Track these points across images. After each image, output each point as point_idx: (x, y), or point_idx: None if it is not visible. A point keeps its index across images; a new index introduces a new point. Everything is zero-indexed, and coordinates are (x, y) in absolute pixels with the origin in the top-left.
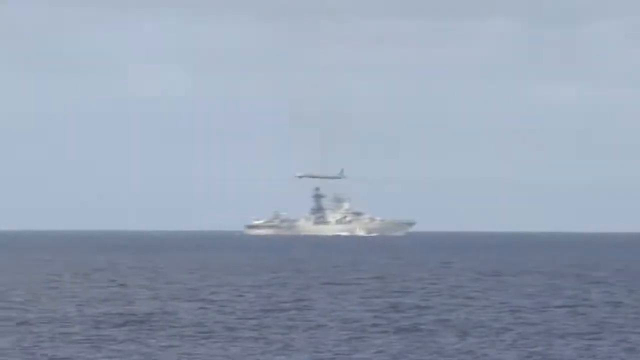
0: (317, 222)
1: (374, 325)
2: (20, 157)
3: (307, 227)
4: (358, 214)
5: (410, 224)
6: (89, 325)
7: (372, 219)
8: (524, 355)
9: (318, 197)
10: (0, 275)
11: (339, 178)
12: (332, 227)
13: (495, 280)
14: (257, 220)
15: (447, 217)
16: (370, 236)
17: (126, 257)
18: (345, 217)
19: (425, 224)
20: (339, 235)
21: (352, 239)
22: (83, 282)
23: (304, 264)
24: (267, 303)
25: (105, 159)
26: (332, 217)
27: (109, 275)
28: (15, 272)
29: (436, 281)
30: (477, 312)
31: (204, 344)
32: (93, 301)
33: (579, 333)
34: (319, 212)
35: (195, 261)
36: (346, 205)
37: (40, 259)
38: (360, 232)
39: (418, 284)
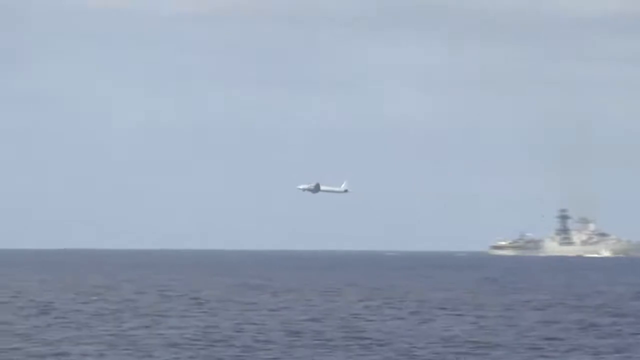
0: (562, 243)
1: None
2: (273, 167)
3: (552, 247)
4: (604, 235)
5: None
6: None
7: (618, 240)
8: None
9: (564, 217)
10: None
11: (343, 192)
12: (577, 248)
13: None
14: (503, 240)
15: None
16: (616, 257)
17: (366, 275)
18: (591, 238)
19: None
20: (583, 256)
21: (597, 260)
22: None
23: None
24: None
25: (355, 174)
26: (577, 237)
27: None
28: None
29: None
30: None
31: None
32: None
33: None
34: (564, 233)
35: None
36: (592, 227)
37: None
38: (606, 253)
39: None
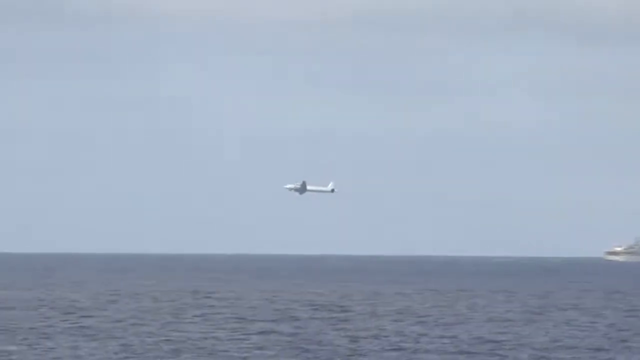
0: None
1: None
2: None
3: None
4: None
5: None
6: None
7: None
8: None
9: None
10: None
11: (329, 192)
12: None
13: None
14: (618, 246)
15: None
16: None
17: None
18: None
19: None
20: None
21: None
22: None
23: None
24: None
25: (459, 178)
26: None
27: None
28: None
29: None
30: None
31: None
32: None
33: None
34: None
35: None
36: None
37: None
38: None
39: None
